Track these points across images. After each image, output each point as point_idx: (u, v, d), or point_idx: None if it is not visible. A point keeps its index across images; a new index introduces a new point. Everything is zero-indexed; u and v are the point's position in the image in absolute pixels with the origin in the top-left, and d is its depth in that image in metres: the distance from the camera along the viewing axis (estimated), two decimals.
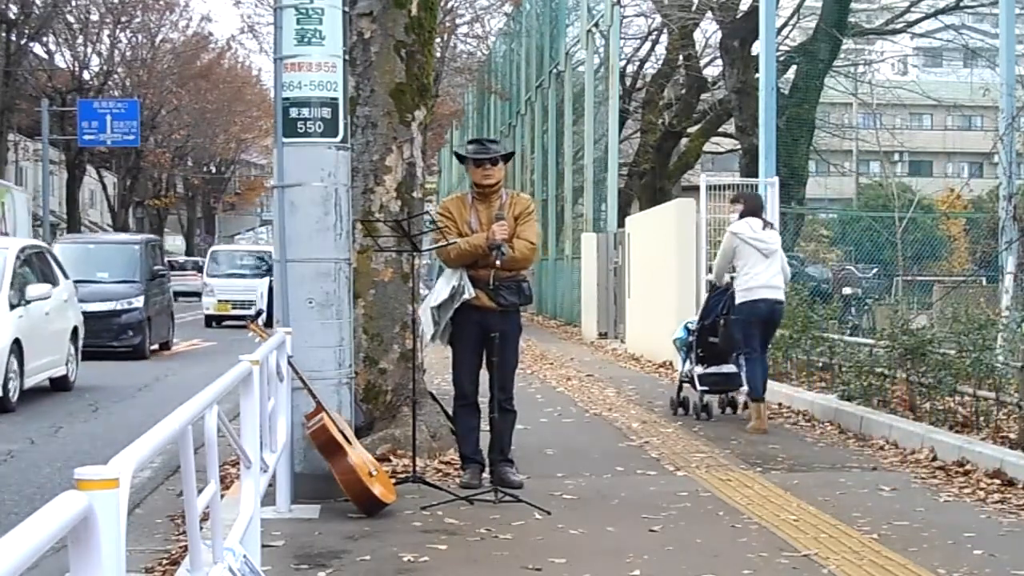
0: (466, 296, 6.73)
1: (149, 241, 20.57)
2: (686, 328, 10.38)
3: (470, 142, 7.25)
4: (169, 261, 55.64)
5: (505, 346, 6.82)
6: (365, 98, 7.80)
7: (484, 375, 7.04)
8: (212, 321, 27.17)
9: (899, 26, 25.64)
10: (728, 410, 10.20)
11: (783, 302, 9.68)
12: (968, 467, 7.24)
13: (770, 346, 10.10)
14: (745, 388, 9.66)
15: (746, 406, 9.70)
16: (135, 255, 19.07)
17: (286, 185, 6.61)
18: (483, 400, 7.11)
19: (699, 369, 10.03)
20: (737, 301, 9.49)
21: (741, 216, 9.55)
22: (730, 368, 9.95)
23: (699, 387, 9.97)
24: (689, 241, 14.30)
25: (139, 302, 17.84)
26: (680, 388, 10.42)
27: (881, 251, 17.29)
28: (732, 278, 9.62)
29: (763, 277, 9.32)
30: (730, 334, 9.74)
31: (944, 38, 28.02)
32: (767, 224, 9.63)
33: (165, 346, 19.55)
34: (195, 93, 48.29)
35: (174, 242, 67.96)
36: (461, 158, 7.14)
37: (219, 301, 27.00)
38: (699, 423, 9.66)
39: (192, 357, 18.78)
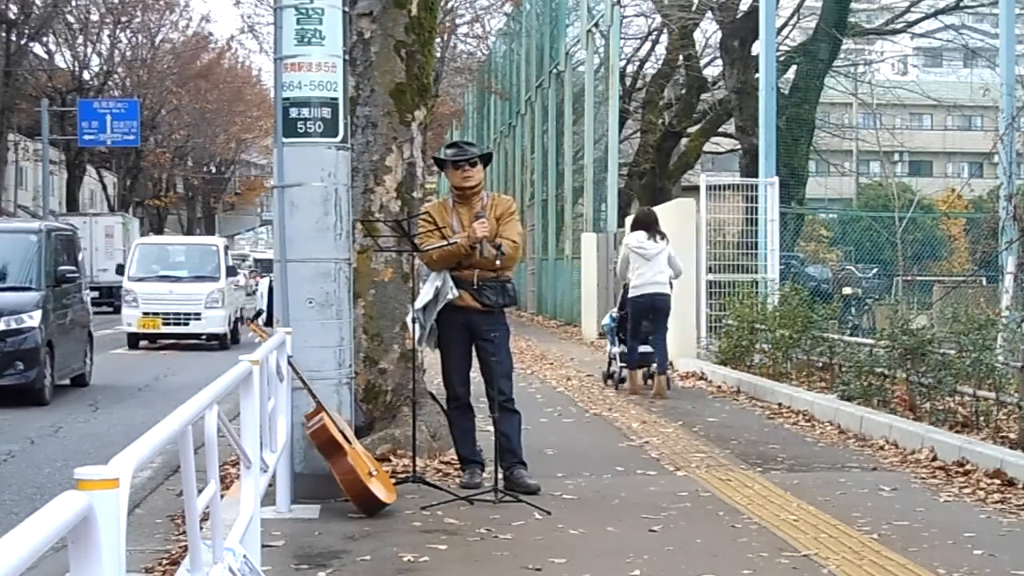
0: (450, 296, 6.74)
1: (53, 231, 13.83)
2: (611, 317, 12.53)
3: (448, 146, 7.27)
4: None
5: (497, 347, 6.83)
6: (365, 98, 7.80)
7: (477, 377, 7.05)
8: (137, 340, 20.12)
9: (899, 26, 25.65)
10: (650, 381, 11.95)
11: (665, 294, 11.67)
12: (968, 467, 7.24)
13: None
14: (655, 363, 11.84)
15: (652, 377, 11.83)
16: (31, 251, 12.94)
17: (286, 185, 6.61)
18: (482, 403, 7.11)
19: (621, 349, 12.20)
20: (628, 296, 11.75)
21: (632, 230, 11.91)
22: (647, 348, 11.82)
23: (619, 363, 12.23)
24: (689, 241, 14.29)
25: (34, 319, 12.20)
26: (610, 364, 12.58)
27: (881, 251, 17.29)
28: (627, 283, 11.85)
29: (647, 276, 11.53)
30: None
31: (944, 38, 28.05)
32: (653, 235, 11.67)
33: (79, 381, 13.80)
34: (195, 93, 48.31)
35: None
36: (440, 163, 7.13)
37: (144, 315, 19.74)
38: (698, 423, 9.68)
39: (192, 357, 18.77)
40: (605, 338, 19.12)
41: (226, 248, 21.92)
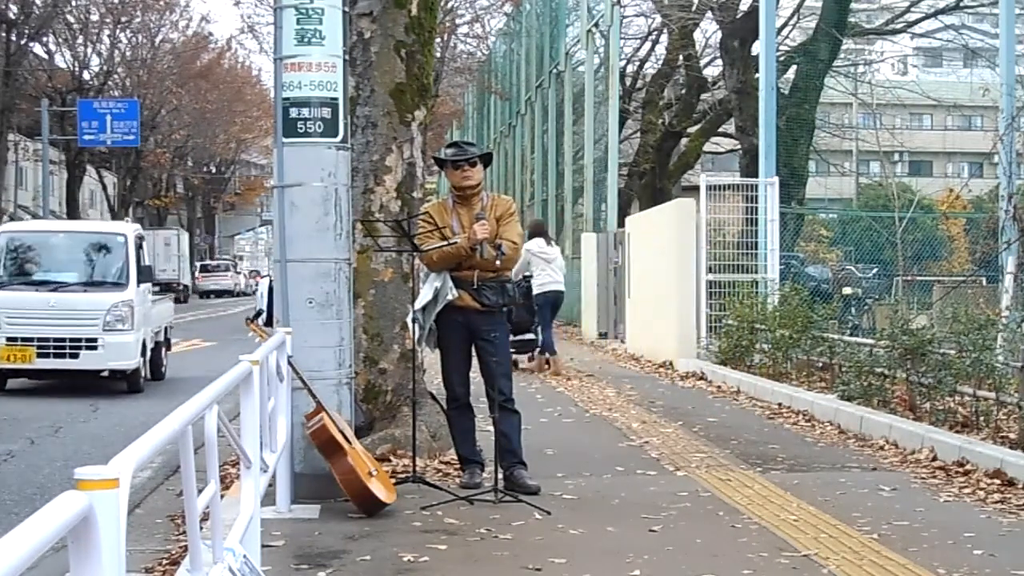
0: (449, 297, 6.74)
1: None
2: None
3: (448, 146, 7.27)
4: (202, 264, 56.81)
5: (496, 347, 6.84)
6: (365, 98, 7.80)
7: (477, 377, 7.05)
8: (2, 379, 13.42)
9: (899, 26, 25.67)
10: (529, 361, 14.44)
11: (562, 290, 14.33)
12: (968, 467, 7.24)
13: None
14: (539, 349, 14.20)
15: (534, 359, 14.33)
16: None
17: (286, 185, 6.61)
18: (482, 403, 7.11)
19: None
20: (534, 293, 13.10)
21: (530, 237, 13.85)
22: (528, 336, 13.68)
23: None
24: (689, 241, 14.30)
25: None
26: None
27: (881, 251, 17.29)
28: (527, 276, 13.44)
29: (548, 276, 13.83)
30: (522, 313, 14.10)
31: (944, 38, 28.06)
32: (549, 241, 14.52)
33: None
34: (195, 93, 48.35)
35: None
36: (440, 163, 7.14)
37: (7, 341, 12.87)
38: (698, 423, 9.68)
39: (192, 357, 18.78)
40: (605, 338, 19.34)
41: (140, 239, 14.31)
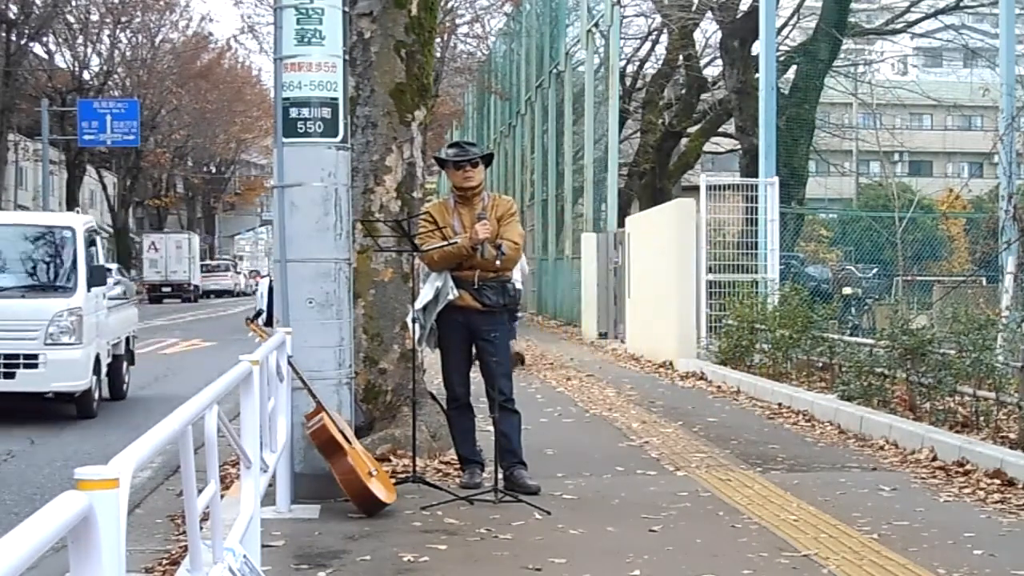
0: (450, 296, 6.75)
1: None
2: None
3: (449, 146, 7.28)
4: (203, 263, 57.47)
5: (497, 347, 6.84)
6: (365, 98, 7.80)
7: (477, 377, 7.05)
8: None
9: (899, 26, 25.68)
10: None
11: (520, 289, 15.39)
12: (968, 467, 7.24)
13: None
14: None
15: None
16: None
17: (286, 185, 6.61)
18: (482, 403, 7.11)
19: None
20: None
21: None
22: None
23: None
24: (689, 241, 14.30)
25: None
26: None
27: (881, 251, 17.29)
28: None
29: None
30: None
31: (944, 38, 28.07)
32: None
33: None
34: (195, 93, 48.44)
35: None
36: (441, 163, 7.14)
37: None
38: (698, 424, 9.68)
39: (192, 357, 18.79)
40: (605, 338, 19.36)
41: (92, 233, 11.99)
